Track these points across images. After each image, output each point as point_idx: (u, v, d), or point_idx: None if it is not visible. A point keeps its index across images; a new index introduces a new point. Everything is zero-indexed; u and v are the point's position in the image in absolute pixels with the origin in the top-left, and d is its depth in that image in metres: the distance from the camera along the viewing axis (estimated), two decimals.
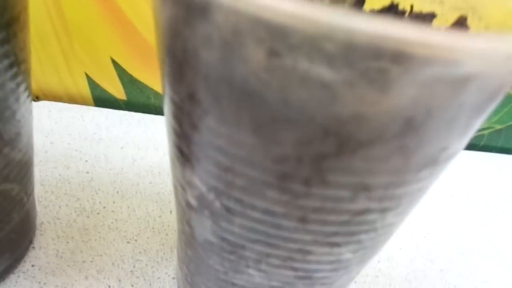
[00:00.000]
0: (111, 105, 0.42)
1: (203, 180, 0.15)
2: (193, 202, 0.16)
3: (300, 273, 0.17)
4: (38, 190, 0.31)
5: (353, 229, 0.15)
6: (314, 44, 0.10)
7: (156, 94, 0.41)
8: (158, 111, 0.42)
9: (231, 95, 0.12)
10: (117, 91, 0.41)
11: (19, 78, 0.19)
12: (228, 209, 0.15)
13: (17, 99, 0.19)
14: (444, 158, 0.14)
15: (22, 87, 0.19)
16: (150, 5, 0.35)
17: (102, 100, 0.42)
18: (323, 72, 0.11)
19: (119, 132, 0.38)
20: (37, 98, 0.41)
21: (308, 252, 0.16)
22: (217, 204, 0.15)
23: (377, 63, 0.10)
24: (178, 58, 0.13)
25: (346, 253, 0.16)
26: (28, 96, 0.20)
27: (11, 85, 0.18)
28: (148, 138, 0.38)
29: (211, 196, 0.15)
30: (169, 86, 0.14)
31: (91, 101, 0.42)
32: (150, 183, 0.33)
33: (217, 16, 0.11)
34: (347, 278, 0.19)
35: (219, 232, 0.16)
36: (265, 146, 0.12)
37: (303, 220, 0.14)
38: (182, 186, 0.16)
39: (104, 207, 0.30)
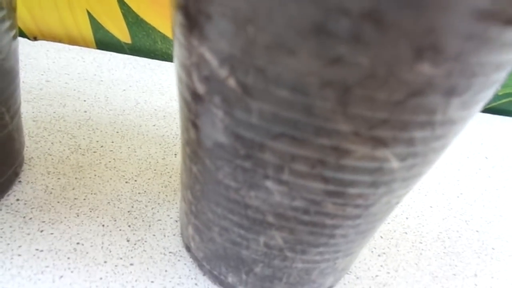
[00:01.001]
0: (115, 48, 0.38)
1: (214, 48, 0.12)
2: (201, 88, 0.13)
3: (331, 187, 0.14)
4: (30, 126, 0.28)
5: (406, 118, 0.11)
6: None
7: (163, 37, 0.38)
8: (166, 57, 0.39)
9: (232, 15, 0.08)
10: (122, 33, 0.38)
11: None
12: (245, 89, 0.12)
13: None
14: None
15: None
16: None
17: (105, 43, 0.38)
18: None
19: (122, 75, 0.35)
20: (35, 39, 0.38)
21: (345, 153, 0.12)
22: (231, 82, 0.12)
23: None
24: (192, 15, 0.09)
25: (391, 159, 0.13)
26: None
27: None
28: (154, 82, 0.35)
29: (224, 72, 0.12)
30: (186, 36, 0.11)
31: (93, 43, 0.38)
32: (154, 125, 0.30)
33: None
34: (385, 208, 0.16)
35: (232, 128, 0.13)
36: None
37: (343, 98, 0.11)
38: (187, 68, 0.13)
39: (102, 146, 0.27)
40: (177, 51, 0.13)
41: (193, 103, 0.14)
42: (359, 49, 0.10)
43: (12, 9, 0.18)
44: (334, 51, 0.10)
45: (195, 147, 0.15)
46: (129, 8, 0.36)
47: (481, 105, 0.13)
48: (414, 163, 0.13)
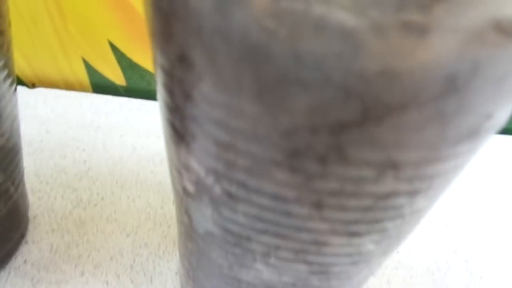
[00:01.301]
0: (110, 91, 0.40)
1: (200, 161, 0.13)
2: (191, 188, 0.14)
3: (315, 268, 0.15)
4: (32, 181, 0.29)
5: (377, 216, 0.13)
6: None
7: None
8: None
9: (229, 51, 0.10)
10: (116, 76, 0.39)
11: None
12: (230, 195, 0.13)
13: None
14: (487, 128, 0.11)
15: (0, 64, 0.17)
16: None
17: (101, 86, 0.40)
18: (344, 16, 0.08)
19: (119, 119, 0.36)
20: (33, 85, 0.39)
21: (324, 244, 0.14)
22: (217, 189, 0.13)
23: None
24: (165, 9, 0.11)
25: (367, 243, 0.14)
26: (8, 75, 0.18)
27: None
28: (149, 125, 0.36)
29: (210, 180, 0.13)
30: (157, 49, 0.12)
31: (89, 87, 0.40)
32: (152, 172, 0.31)
33: None
34: (367, 272, 0.17)
35: (221, 222, 0.14)
36: (272, 115, 0.10)
37: (318, 205, 0.12)
38: (177, 169, 0.14)
39: (102, 198, 0.29)
40: (168, 152, 0.15)
41: (185, 196, 0.15)
42: (328, 171, 0.11)
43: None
44: (307, 172, 0.11)
45: (188, 230, 0.16)
46: (122, 53, 0.37)
47: (447, 189, 0.14)
48: (389, 243, 0.15)
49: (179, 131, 0.13)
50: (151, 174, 0.31)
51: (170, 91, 0.12)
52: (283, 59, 0.09)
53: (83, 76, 0.39)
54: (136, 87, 0.40)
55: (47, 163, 0.31)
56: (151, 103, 0.38)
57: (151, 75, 0.39)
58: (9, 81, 0.19)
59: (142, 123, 0.36)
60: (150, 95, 0.40)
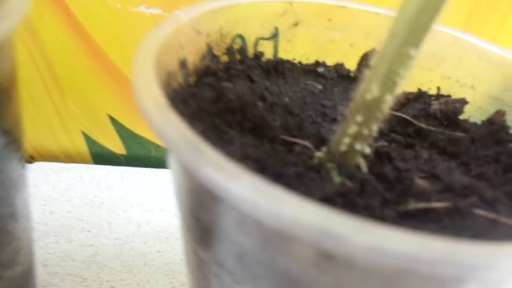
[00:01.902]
0: (111, 160, 0.40)
1: None
2: None
3: None
4: (41, 272, 0.29)
5: None
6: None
7: (157, 147, 0.39)
8: (160, 164, 0.40)
9: (270, 277, 0.10)
10: (116, 146, 0.39)
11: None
12: None
13: (14, 219, 0.18)
14: None
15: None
16: None
17: (101, 156, 0.40)
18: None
19: (121, 192, 0.36)
20: (32, 159, 0.39)
21: None
22: None
23: None
24: (204, 225, 0.11)
25: None
26: (28, 219, 0.18)
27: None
28: (153, 197, 0.36)
29: None
30: (192, 240, 0.12)
31: (90, 158, 0.40)
32: (158, 251, 0.32)
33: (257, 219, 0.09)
34: None
35: None
36: None
37: None
38: None
39: (112, 287, 0.29)
40: None
41: None
42: None
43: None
44: None
45: None
46: (122, 125, 0.38)
47: None
48: None
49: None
50: (158, 254, 0.31)
51: (203, 273, 0.13)
52: None
53: (83, 148, 0.39)
54: (137, 155, 0.40)
55: (53, 249, 0.31)
56: (152, 171, 0.39)
57: (151, 144, 0.39)
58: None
59: (145, 195, 0.36)
60: (150, 163, 0.40)
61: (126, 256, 0.31)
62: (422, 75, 0.21)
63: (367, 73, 0.14)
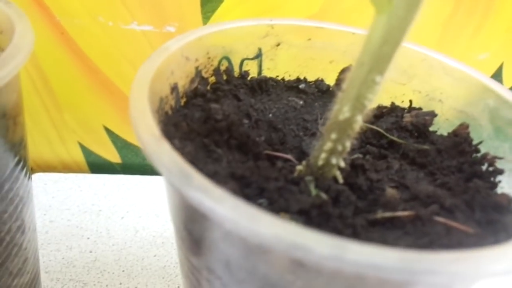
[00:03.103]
0: (107, 169, 0.41)
1: None
2: None
3: None
4: (44, 279, 0.30)
5: None
6: None
7: None
8: (154, 171, 0.42)
9: (253, 280, 0.12)
10: (112, 155, 0.41)
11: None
12: None
13: (21, 231, 0.19)
14: None
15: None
16: None
17: (97, 165, 0.41)
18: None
19: (118, 199, 0.38)
20: (31, 170, 0.40)
21: None
22: None
23: None
24: (195, 237, 0.13)
25: None
26: (34, 230, 0.20)
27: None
28: (148, 203, 0.38)
29: None
30: (185, 249, 0.14)
31: (86, 167, 0.41)
32: (155, 256, 0.33)
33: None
34: None
35: None
36: None
37: None
38: None
39: None
40: None
41: None
42: None
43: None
44: None
45: None
46: (117, 135, 0.39)
47: None
48: None
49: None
50: (154, 258, 0.33)
51: (196, 278, 0.14)
52: None
53: (79, 158, 0.40)
54: (132, 164, 0.41)
55: (55, 256, 0.32)
56: (147, 179, 0.40)
57: None
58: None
59: (141, 202, 0.38)
60: (145, 170, 0.42)
61: (124, 261, 0.33)
62: (396, 89, 0.23)
63: (339, 96, 0.16)
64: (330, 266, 0.10)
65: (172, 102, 0.18)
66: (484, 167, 0.18)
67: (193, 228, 0.13)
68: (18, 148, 0.18)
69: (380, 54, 0.15)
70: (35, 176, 0.39)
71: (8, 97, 0.15)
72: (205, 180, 0.11)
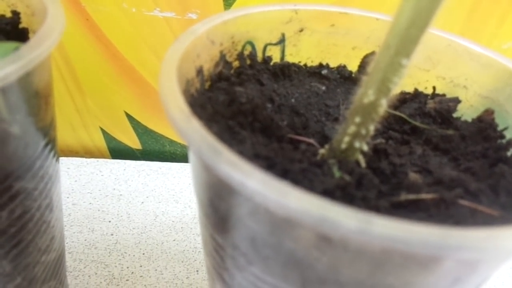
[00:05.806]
0: (127, 155, 0.42)
1: None
2: None
3: None
4: (67, 259, 0.31)
5: None
6: None
7: (171, 141, 0.41)
8: (173, 157, 0.42)
9: (278, 257, 0.12)
10: (132, 141, 0.41)
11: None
12: None
13: (50, 209, 0.20)
14: None
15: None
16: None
17: (118, 150, 0.42)
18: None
19: (138, 185, 0.38)
20: None
21: None
22: None
23: None
24: (221, 214, 0.13)
25: None
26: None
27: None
28: (167, 189, 0.38)
29: None
30: (210, 226, 0.14)
31: (107, 152, 0.42)
32: (174, 240, 0.34)
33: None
34: None
35: None
36: None
37: None
38: None
39: (132, 273, 0.31)
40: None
41: None
42: None
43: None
44: None
45: None
46: (138, 122, 0.40)
47: None
48: None
49: (227, 282, 0.15)
50: (174, 243, 0.34)
51: (220, 256, 0.15)
52: (323, 271, 0.12)
53: (101, 143, 0.41)
54: (152, 150, 0.42)
55: (77, 238, 0.33)
56: (167, 165, 0.41)
57: (165, 139, 0.41)
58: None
59: (160, 187, 0.38)
60: (164, 157, 0.42)
61: (144, 244, 0.33)
62: (419, 76, 0.23)
63: (364, 79, 0.16)
64: (357, 241, 0.11)
65: (198, 85, 0.18)
66: (509, 153, 0.18)
67: (220, 205, 0.13)
68: (48, 128, 0.18)
69: (407, 37, 0.15)
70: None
71: (41, 77, 0.16)
72: (234, 155, 0.11)
